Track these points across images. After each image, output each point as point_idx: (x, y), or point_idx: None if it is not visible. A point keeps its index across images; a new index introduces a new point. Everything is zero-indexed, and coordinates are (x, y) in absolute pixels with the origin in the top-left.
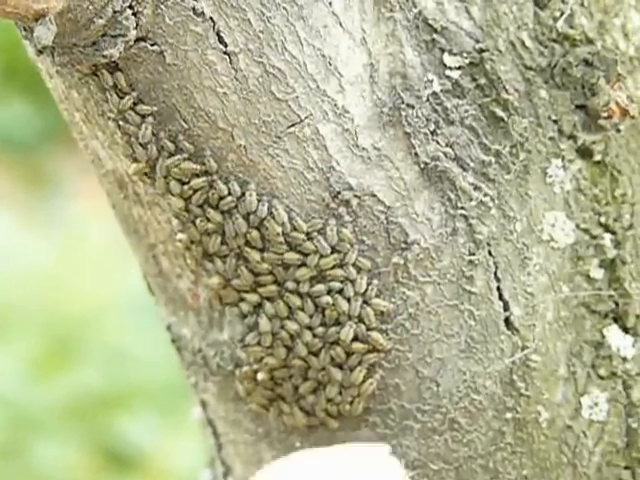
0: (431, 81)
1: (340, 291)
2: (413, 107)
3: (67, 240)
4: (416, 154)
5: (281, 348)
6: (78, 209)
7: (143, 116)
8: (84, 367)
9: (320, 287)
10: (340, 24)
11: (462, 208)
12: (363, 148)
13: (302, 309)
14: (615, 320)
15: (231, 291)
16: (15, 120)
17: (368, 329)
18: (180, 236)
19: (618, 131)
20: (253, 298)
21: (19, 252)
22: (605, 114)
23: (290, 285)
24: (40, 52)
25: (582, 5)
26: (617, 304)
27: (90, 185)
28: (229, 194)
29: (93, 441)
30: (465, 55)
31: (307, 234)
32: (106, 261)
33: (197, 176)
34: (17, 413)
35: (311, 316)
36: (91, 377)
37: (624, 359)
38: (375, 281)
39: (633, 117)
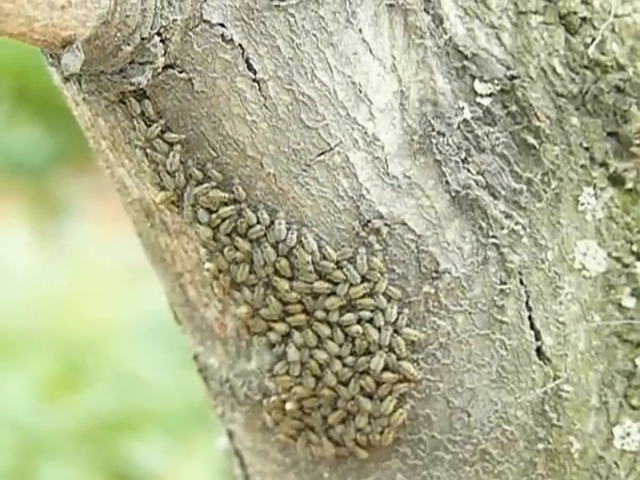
0: (462, 108)
1: (370, 320)
2: (444, 135)
3: (78, 263)
4: (447, 182)
5: (310, 378)
6: (88, 232)
7: (171, 144)
8: (95, 390)
9: (350, 316)
10: (370, 51)
11: (493, 237)
12: (393, 176)
13: (331, 338)
14: None
15: (259, 320)
16: (25, 143)
17: (399, 359)
18: (208, 265)
19: None
20: (282, 327)
21: (29, 275)
22: (637, 141)
23: (319, 314)
24: (67, 80)
25: (613, 31)
26: None
27: (100, 208)
28: (258, 222)
29: (103, 465)
30: (496, 82)
31: (337, 263)
32: (117, 284)
33: (225, 204)
34: (27, 436)
35: (341, 345)
36: (101, 400)
37: None
38: (406, 310)
39: None
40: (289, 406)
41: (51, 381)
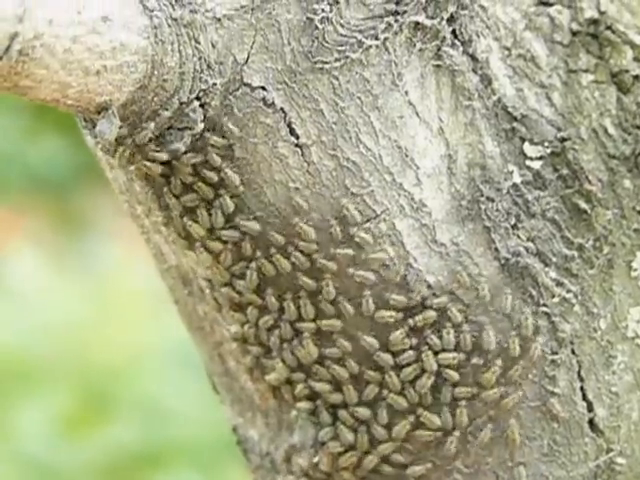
0: (511, 172)
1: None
2: (493, 200)
3: (101, 285)
4: (496, 249)
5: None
6: (112, 251)
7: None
8: (118, 421)
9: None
10: (417, 114)
11: (544, 305)
12: (441, 243)
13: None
14: None
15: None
16: (47, 158)
17: None
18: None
19: None
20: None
21: (50, 298)
22: None
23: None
24: (107, 150)
25: None
26: None
27: (125, 225)
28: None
29: None
30: (546, 144)
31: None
32: (142, 308)
33: None
34: (50, 472)
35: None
36: (126, 432)
37: None
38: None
39: None
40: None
41: (73, 412)
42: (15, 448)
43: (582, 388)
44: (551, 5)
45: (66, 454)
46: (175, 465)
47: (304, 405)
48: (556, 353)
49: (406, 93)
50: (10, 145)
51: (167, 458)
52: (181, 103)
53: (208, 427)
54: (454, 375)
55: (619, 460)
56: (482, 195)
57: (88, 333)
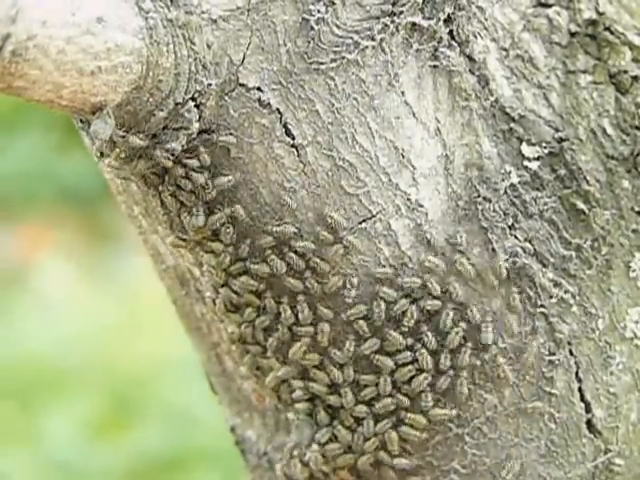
0: (509, 173)
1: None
2: (490, 200)
3: (127, 296)
4: (493, 250)
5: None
6: (138, 263)
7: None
8: (145, 428)
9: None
10: (413, 114)
11: (542, 306)
12: (437, 244)
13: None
14: None
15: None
16: (77, 171)
17: None
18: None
19: None
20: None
21: (79, 309)
22: None
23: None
24: (101, 154)
25: None
26: None
27: None
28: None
29: None
30: (544, 145)
31: None
32: (167, 317)
33: None
34: (78, 475)
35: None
36: (151, 439)
37: None
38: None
39: None
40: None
41: (100, 418)
42: (45, 452)
43: (580, 389)
44: (549, 6)
45: (94, 458)
46: (197, 470)
47: (302, 406)
48: (554, 354)
49: (402, 94)
50: (41, 160)
51: (190, 463)
52: (176, 104)
53: (229, 434)
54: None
55: (617, 461)
56: (479, 195)
57: (115, 342)
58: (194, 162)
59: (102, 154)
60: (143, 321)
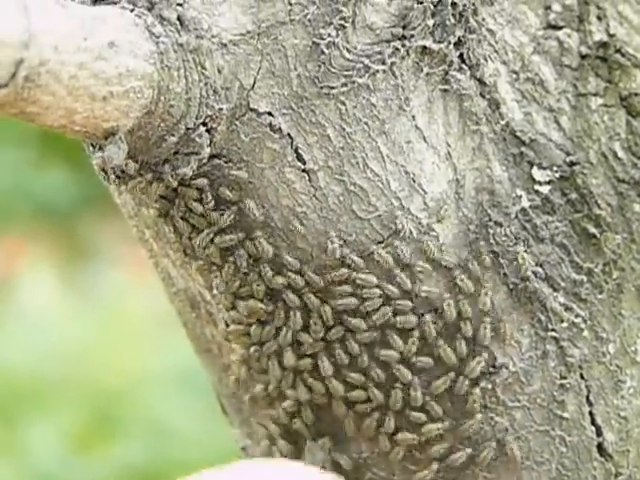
0: (520, 197)
1: None
2: (501, 225)
3: (105, 310)
4: (505, 274)
5: None
6: (116, 277)
7: None
8: (126, 441)
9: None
10: (424, 138)
11: (553, 330)
12: (448, 268)
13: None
14: None
15: None
16: (53, 187)
17: None
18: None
19: None
20: None
21: (57, 323)
22: None
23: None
24: (117, 178)
25: None
26: None
27: (129, 253)
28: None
29: None
30: (555, 169)
31: None
32: (145, 331)
33: None
34: None
35: None
36: (132, 452)
37: None
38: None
39: None
40: None
41: (81, 431)
42: (27, 465)
43: (591, 413)
44: (560, 28)
45: (76, 471)
46: None
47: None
48: (565, 378)
49: (413, 118)
50: (17, 175)
51: (170, 476)
52: (187, 129)
53: (209, 446)
54: None
55: None
56: (490, 220)
57: (94, 356)
58: (204, 181)
59: (119, 178)
60: (119, 334)
